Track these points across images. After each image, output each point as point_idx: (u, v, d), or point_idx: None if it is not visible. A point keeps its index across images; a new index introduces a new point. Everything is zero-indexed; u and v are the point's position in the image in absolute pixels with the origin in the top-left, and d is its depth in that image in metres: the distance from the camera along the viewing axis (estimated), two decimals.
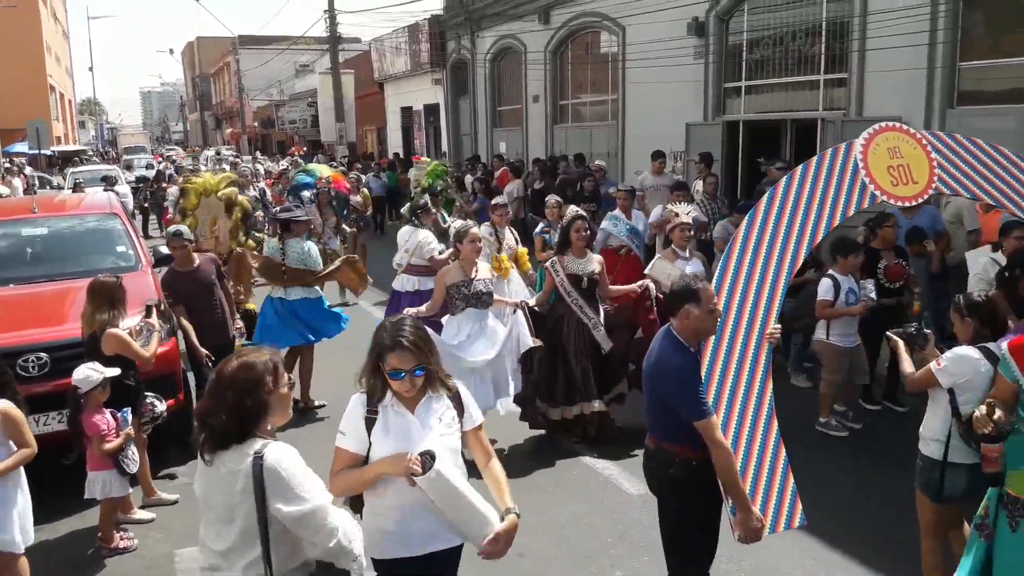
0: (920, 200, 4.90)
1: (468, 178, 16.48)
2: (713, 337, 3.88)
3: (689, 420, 3.47)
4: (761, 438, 3.91)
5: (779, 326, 4.15)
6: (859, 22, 10.24)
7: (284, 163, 21.92)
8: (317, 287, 7.52)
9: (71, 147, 43.49)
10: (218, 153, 38.01)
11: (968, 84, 9.45)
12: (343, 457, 2.98)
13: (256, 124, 54.30)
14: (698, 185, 11.04)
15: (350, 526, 2.70)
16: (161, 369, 6.00)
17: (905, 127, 4.89)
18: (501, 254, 7.63)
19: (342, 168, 18.69)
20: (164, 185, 20.42)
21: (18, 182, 20.52)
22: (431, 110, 25.09)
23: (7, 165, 26.39)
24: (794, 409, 6.19)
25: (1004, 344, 3.56)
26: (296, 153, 27.52)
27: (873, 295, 6.32)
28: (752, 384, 3.98)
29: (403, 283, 8.16)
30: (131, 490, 5.20)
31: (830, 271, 6.47)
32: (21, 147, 31.29)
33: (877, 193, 4.61)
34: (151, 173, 23.89)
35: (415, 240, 8.05)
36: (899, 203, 4.81)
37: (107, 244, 7.58)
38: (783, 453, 3.94)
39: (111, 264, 7.23)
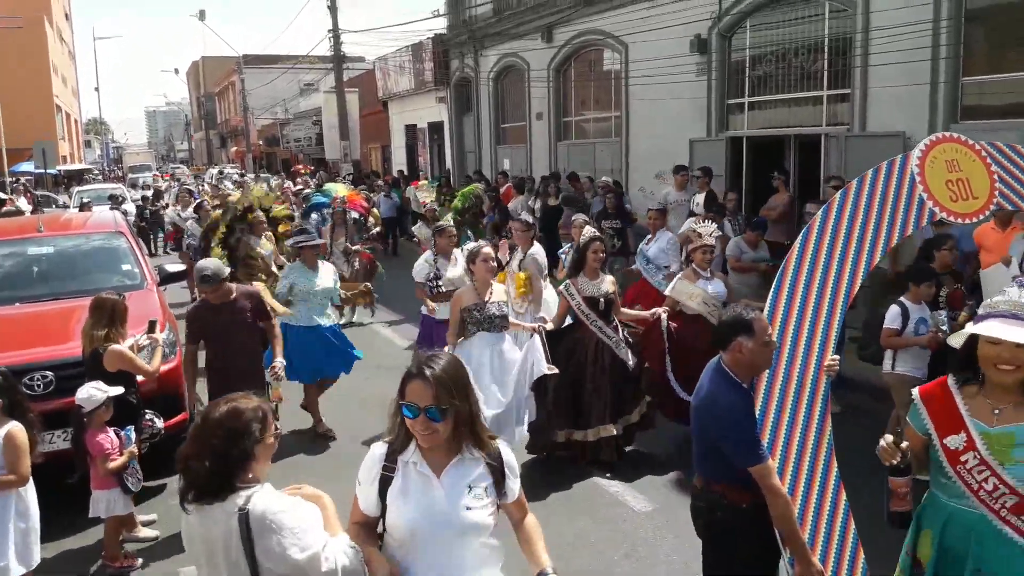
0: (981, 217, 4.50)
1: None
2: (767, 372, 3.55)
3: (743, 466, 3.19)
4: (820, 482, 3.58)
5: (837, 357, 3.83)
6: (861, 38, 10.28)
7: (298, 184, 21.49)
8: (329, 313, 7.37)
9: (77, 166, 43.71)
10: (221, 172, 38.19)
11: (971, 99, 9.46)
12: (356, 511, 2.66)
13: (261, 142, 54.55)
14: (698, 198, 11.07)
15: (348, 556, 2.49)
16: (164, 387, 6.02)
17: (963, 137, 4.51)
18: (520, 272, 7.39)
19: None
20: (162, 204, 20.63)
21: (23, 201, 20.59)
22: (435, 128, 25.19)
23: (12, 182, 26.54)
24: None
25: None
26: (303, 172, 27.55)
27: (946, 327, 5.87)
28: (810, 423, 3.64)
29: (424, 307, 7.73)
30: (134, 508, 5.19)
31: (900, 298, 6.09)
32: (27, 166, 31.48)
33: (936, 210, 4.24)
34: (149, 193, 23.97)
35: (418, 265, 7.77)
36: (958, 220, 4.42)
37: (112, 262, 7.60)
38: (843, 497, 3.62)
39: (117, 282, 7.26)
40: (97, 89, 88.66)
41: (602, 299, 6.14)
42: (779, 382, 3.64)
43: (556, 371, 5.88)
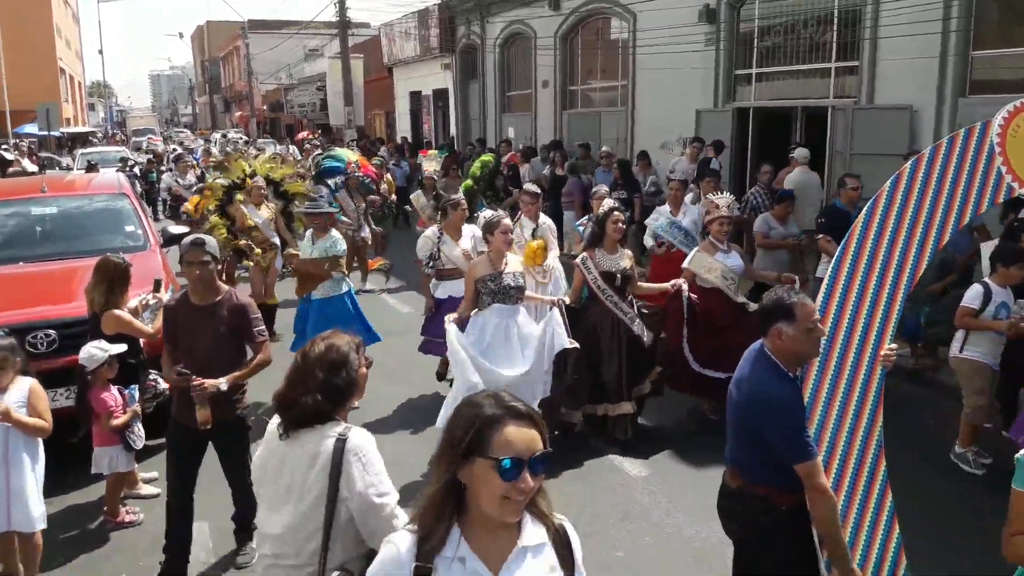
0: None
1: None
2: (818, 360, 3.27)
3: (789, 462, 2.95)
4: (865, 482, 3.32)
5: (895, 346, 3.51)
6: (871, 10, 10.18)
7: (305, 151, 20.82)
8: (344, 285, 7.07)
9: (80, 129, 43.56)
10: (224, 135, 38.00)
11: (980, 73, 9.39)
12: None
13: (265, 107, 54.28)
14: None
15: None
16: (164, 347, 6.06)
17: None
18: (536, 241, 7.06)
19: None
20: (163, 168, 20.36)
21: (28, 162, 20.55)
22: (440, 95, 25.03)
23: (16, 143, 26.47)
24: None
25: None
26: (310, 136, 27.32)
27: None
28: (860, 417, 3.34)
29: (434, 289, 7.21)
30: (136, 465, 5.26)
31: (985, 278, 5.65)
32: (31, 128, 31.35)
33: (1015, 185, 3.85)
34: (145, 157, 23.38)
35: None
36: None
37: (116, 224, 7.62)
38: (889, 500, 3.37)
39: (120, 243, 7.27)
40: (101, 52, 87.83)
41: (619, 274, 6.02)
42: (830, 372, 3.34)
43: (577, 346, 5.68)
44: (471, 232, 7.08)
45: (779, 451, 2.99)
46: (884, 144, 9.93)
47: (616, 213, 6.06)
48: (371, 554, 2.41)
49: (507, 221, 5.82)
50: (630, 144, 15.03)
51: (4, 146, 22.51)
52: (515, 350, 5.62)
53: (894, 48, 9.90)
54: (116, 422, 4.88)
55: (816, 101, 11.47)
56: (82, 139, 36.14)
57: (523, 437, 1.80)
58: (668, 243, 7.92)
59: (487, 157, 12.61)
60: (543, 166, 14.56)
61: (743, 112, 12.56)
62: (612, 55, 16.11)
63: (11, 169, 16.09)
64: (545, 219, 7.60)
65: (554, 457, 1.87)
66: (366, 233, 10.89)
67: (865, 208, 3.64)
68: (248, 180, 9.09)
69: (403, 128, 28.47)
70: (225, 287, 4.44)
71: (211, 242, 4.41)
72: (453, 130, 23.53)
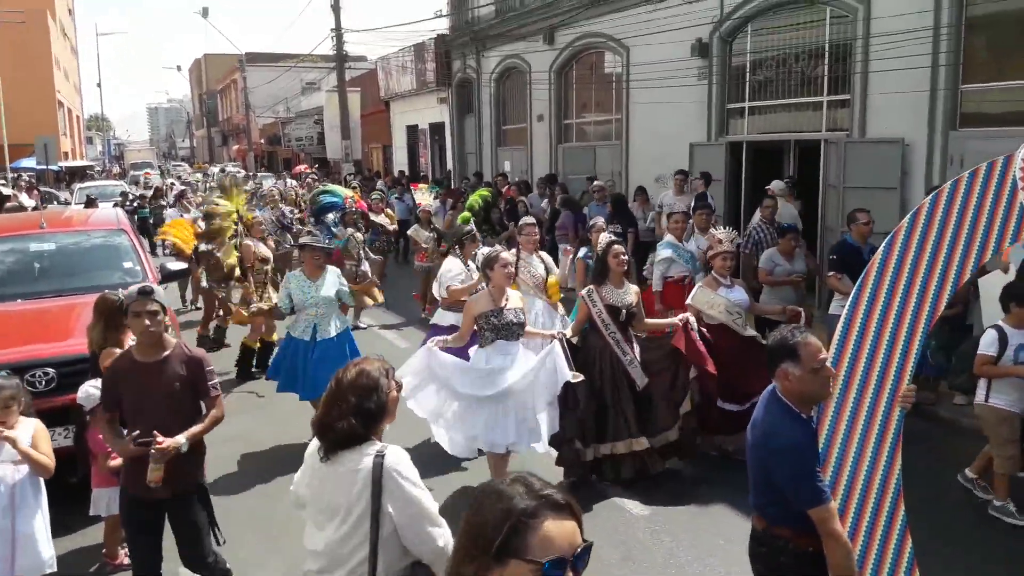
0: None
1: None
2: (834, 401, 3.18)
3: (802, 507, 2.91)
4: (884, 527, 3.20)
5: (914, 387, 3.40)
6: (862, 44, 10.32)
7: (305, 186, 20.64)
8: (338, 323, 6.88)
9: (79, 162, 43.74)
10: (223, 170, 38.16)
11: (971, 106, 9.51)
12: None
13: (262, 141, 54.59)
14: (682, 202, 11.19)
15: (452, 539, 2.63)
16: None
17: None
18: (551, 278, 7.17)
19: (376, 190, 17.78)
20: (163, 203, 20.36)
21: (25, 197, 20.59)
22: (436, 128, 25.23)
23: (14, 178, 26.54)
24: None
25: None
26: (308, 171, 27.42)
27: None
28: (877, 461, 3.22)
29: (438, 317, 7.28)
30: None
31: (998, 322, 5.50)
32: (29, 162, 31.47)
33: None
34: (141, 191, 23.34)
35: (447, 271, 7.24)
36: None
37: (114, 259, 7.63)
38: (908, 546, 3.25)
39: (118, 279, 7.28)
40: (99, 85, 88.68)
41: (624, 310, 5.89)
42: (846, 413, 3.21)
43: (581, 378, 5.56)
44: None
45: (791, 495, 2.94)
46: (876, 177, 10.03)
47: (616, 247, 5.97)
48: (415, 565, 2.74)
49: (506, 255, 5.72)
50: (625, 178, 15.14)
51: (1, 181, 22.56)
52: (512, 389, 5.48)
53: (885, 82, 10.03)
54: (114, 463, 4.84)
55: (808, 134, 11.59)
56: (80, 173, 36.25)
57: (563, 532, 1.58)
58: (689, 275, 7.93)
59: (484, 191, 12.72)
60: (541, 200, 14.64)
61: (736, 146, 12.68)
62: (606, 89, 16.28)
63: (8, 204, 16.09)
64: (543, 254, 7.57)
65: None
66: (366, 267, 10.93)
67: (883, 245, 3.54)
68: (249, 216, 9.21)
69: (400, 161, 28.65)
70: (173, 339, 4.07)
71: (159, 291, 4.04)
72: (450, 164, 23.69)
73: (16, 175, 28.65)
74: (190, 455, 3.90)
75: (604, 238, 6.31)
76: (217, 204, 9.67)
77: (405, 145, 28.52)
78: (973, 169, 3.75)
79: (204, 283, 10.47)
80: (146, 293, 3.95)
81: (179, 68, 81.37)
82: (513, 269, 5.78)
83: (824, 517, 2.89)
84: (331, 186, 12.65)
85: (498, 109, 20.66)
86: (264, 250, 9.19)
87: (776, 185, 10.51)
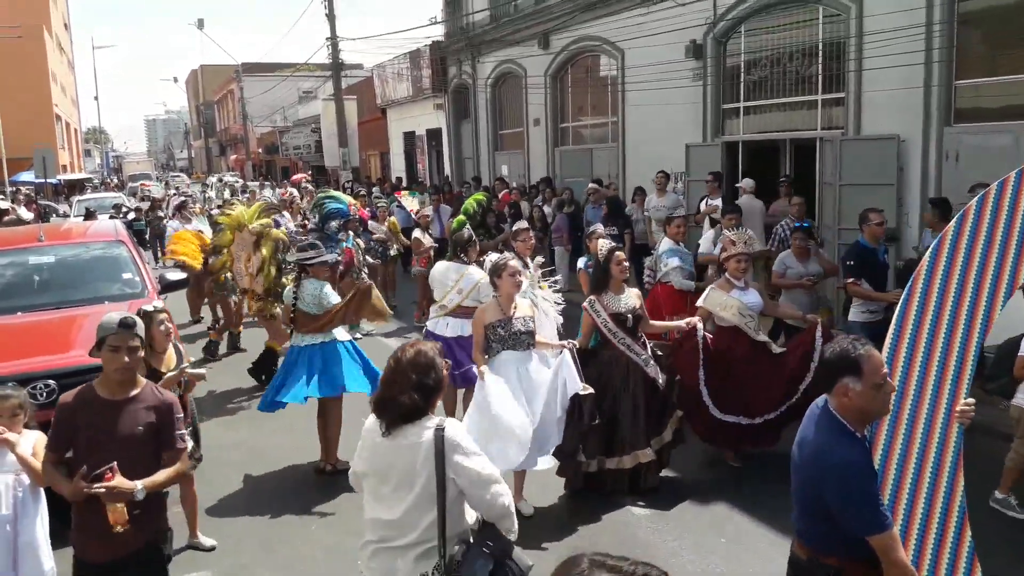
0: None
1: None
2: (888, 418, 2.99)
3: (861, 534, 2.67)
4: (950, 554, 2.96)
5: (972, 400, 3.14)
6: (855, 42, 10.36)
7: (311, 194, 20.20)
8: (336, 332, 6.67)
9: (77, 175, 43.80)
10: (220, 179, 38.21)
11: (965, 102, 9.54)
12: None
13: (260, 150, 54.71)
14: (702, 205, 11.17)
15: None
16: None
17: None
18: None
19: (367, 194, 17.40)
20: (160, 215, 20.30)
21: (23, 210, 20.58)
22: (433, 134, 25.28)
23: (12, 191, 26.56)
24: None
25: None
26: (307, 178, 27.35)
27: None
28: (938, 481, 2.99)
29: (442, 326, 6.93)
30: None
31: None
32: (27, 176, 31.54)
33: None
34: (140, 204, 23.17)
35: (471, 280, 6.78)
36: None
37: (113, 271, 7.64)
38: (978, 572, 3.02)
39: (117, 291, 7.31)
40: (96, 98, 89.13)
41: (630, 315, 5.79)
42: (902, 430, 3.02)
43: (591, 391, 5.42)
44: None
45: (849, 522, 2.69)
46: (873, 174, 10.05)
47: (618, 253, 5.88)
48: (484, 524, 3.02)
49: (515, 263, 5.54)
50: (622, 179, 15.17)
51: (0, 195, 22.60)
52: (529, 398, 5.33)
53: (879, 79, 10.06)
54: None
55: (804, 133, 11.62)
56: (79, 186, 36.30)
57: None
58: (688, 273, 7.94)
59: (480, 195, 12.73)
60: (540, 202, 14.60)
61: (732, 146, 12.71)
62: (602, 92, 16.32)
63: (6, 218, 16.08)
64: (539, 259, 7.44)
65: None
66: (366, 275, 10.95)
67: (929, 250, 3.36)
68: (267, 230, 9.25)
69: (398, 168, 28.70)
70: (143, 379, 3.71)
71: (141, 324, 3.66)
72: (447, 169, 23.74)
73: (14, 189, 28.68)
74: (145, 510, 3.48)
75: (604, 244, 6.17)
76: (228, 215, 9.73)
77: (402, 151, 28.58)
78: (1021, 168, 3.56)
79: (215, 292, 10.56)
80: (128, 326, 3.57)
81: (176, 80, 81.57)
82: (520, 278, 5.57)
83: (887, 545, 2.66)
84: (333, 192, 12.31)
85: (494, 114, 20.70)
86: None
87: (746, 182, 10.94)
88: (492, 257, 6.03)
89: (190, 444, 4.73)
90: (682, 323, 6.12)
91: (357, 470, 3.17)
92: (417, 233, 12.02)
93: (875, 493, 2.73)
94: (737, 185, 11.02)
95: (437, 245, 11.59)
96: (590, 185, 13.59)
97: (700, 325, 6.02)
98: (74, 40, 62.68)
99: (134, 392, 3.60)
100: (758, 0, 11.85)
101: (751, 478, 6.14)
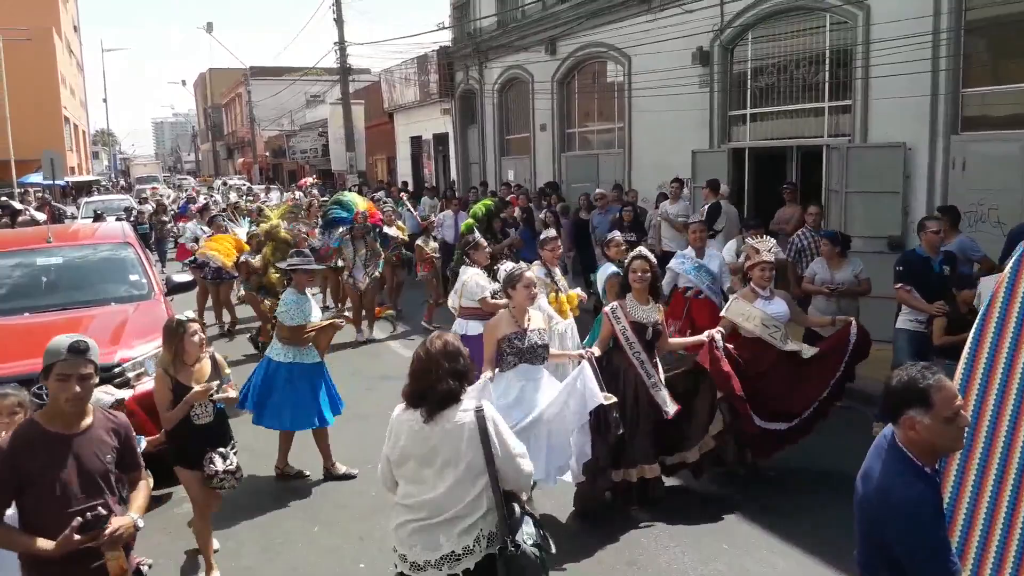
0: None
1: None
2: (959, 452, 2.75)
3: None
4: None
5: None
6: (862, 50, 10.35)
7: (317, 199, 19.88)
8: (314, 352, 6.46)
9: (85, 177, 43.96)
10: (225, 183, 38.28)
11: (971, 110, 9.53)
12: None
13: (267, 154, 54.87)
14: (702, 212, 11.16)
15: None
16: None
17: None
18: (562, 295, 6.95)
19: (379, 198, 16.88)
20: (164, 219, 20.32)
21: (37, 212, 20.64)
22: (440, 139, 25.34)
23: (21, 193, 26.68)
24: None
25: None
26: (306, 185, 27.42)
27: None
28: (1013, 523, 2.75)
29: (459, 327, 7.17)
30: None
31: None
32: (36, 178, 31.67)
33: None
34: (144, 206, 22.77)
35: (460, 280, 7.24)
36: None
37: (120, 273, 7.70)
38: None
39: (124, 293, 7.35)
40: (105, 100, 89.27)
41: (651, 327, 5.58)
42: (974, 466, 2.79)
43: (614, 399, 5.19)
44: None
45: (910, 566, 2.50)
46: (879, 181, 10.05)
47: (637, 262, 5.64)
48: (508, 495, 3.23)
49: (530, 274, 5.35)
50: (628, 186, 15.18)
51: (5, 197, 22.70)
52: (537, 416, 5.09)
53: (886, 87, 10.06)
54: None
55: (811, 140, 11.61)
56: (87, 188, 36.46)
57: None
58: (696, 288, 7.71)
59: (488, 200, 12.75)
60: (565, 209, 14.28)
61: (739, 152, 12.71)
62: (608, 98, 16.34)
63: (20, 219, 16.26)
64: (558, 269, 7.29)
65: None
66: (360, 277, 10.93)
67: (1009, 266, 3.08)
68: (275, 230, 9.44)
69: (404, 172, 28.78)
70: (90, 405, 3.31)
71: (95, 348, 3.24)
72: (454, 174, 23.78)
73: (23, 190, 28.81)
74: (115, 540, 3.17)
75: (614, 242, 6.14)
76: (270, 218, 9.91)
77: (409, 156, 28.65)
78: None
79: (242, 291, 10.67)
80: (79, 351, 3.14)
81: (184, 83, 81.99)
82: (536, 290, 5.39)
83: None
84: (347, 197, 11.88)
85: (501, 119, 20.74)
86: None
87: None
88: (507, 266, 5.90)
89: (223, 465, 4.72)
90: (701, 337, 5.86)
91: (392, 458, 3.29)
92: (420, 240, 12.02)
93: (943, 538, 2.52)
94: (783, 187, 10.97)
95: (440, 250, 11.59)
96: (596, 191, 13.56)
97: (717, 336, 5.75)
98: (83, 42, 62.99)
99: (88, 421, 3.24)
100: (765, 7, 11.85)
101: (758, 483, 6.12)
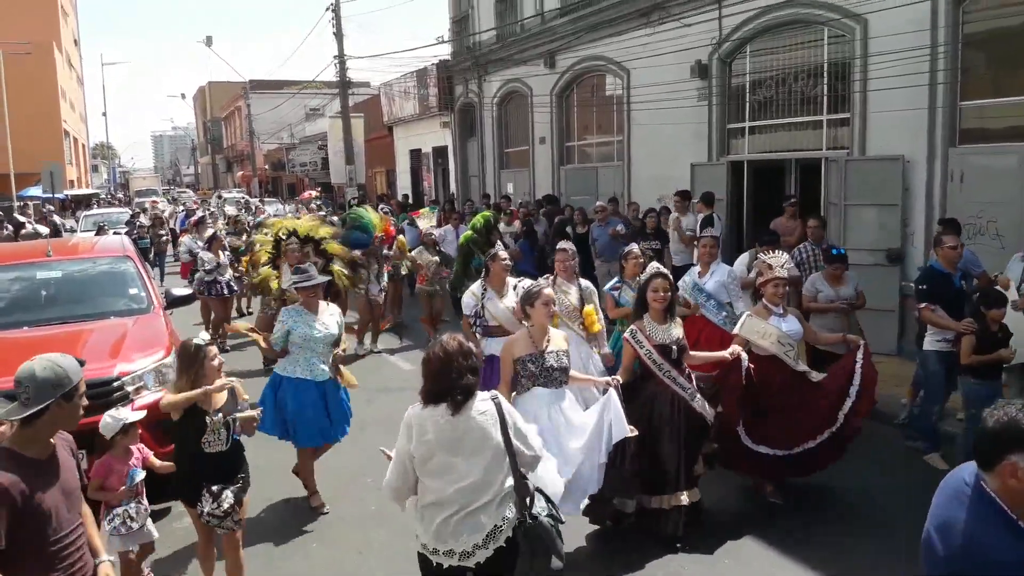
0: None
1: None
2: None
3: None
4: None
5: None
6: (860, 63, 10.39)
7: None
8: (324, 368, 6.15)
9: (84, 191, 44.03)
10: (220, 196, 38.29)
11: (969, 123, 9.55)
12: None
13: (267, 167, 54.96)
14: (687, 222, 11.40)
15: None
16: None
17: None
18: (587, 307, 6.65)
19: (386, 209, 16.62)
20: (161, 232, 20.33)
21: (40, 226, 20.67)
22: (439, 152, 25.40)
23: (20, 206, 26.71)
24: None
25: None
26: (315, 197, 27.30)
27: None
28: None
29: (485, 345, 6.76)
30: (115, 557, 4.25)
31: None
32: (35, 191, 31.73)
33: None
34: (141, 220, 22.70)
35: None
36: None
37: (120, 286, 7.69)
38: None
39: (124, 306, 7.34)
40: (104, 114, 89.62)
41: (674, 346, 5.37)
42: None
43: (636, 433, 4.90)
44: (511, 288, 6.69)
45: None
46: (878, 194, 10.07)
47: (657, 280, 5.38)
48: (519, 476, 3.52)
49: (549, 291, 5.05)
50: (627, 199, 15.20)
51: (4, 208, 22.77)
52: (562, 442, 4.79)
53: (884, 100, 10.09)
54: (99, 494, 4.49)
55: (809, 153, 11.63)
56: (86, 201, 36.51)
57: None
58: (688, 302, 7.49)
59: (487, 212, 12.72)
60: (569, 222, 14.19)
61: (737, 165, 12.74)
62: (607, 111, 16.39)
63: (23, 231, 16.35)
64: (586, 282, 6.98)
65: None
66: (376, 291, 10.95)
67: None
68: (283, 242, 9.18)
69: (404, 185, 28.84)
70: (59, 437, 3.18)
71: (66, 366, 3.10)
72: (453, 187, 23.82)
73: (22, 204, 28.85)
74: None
75: (652, 267, 5.62)
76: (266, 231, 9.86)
77: (408, 169, 28.71)
78: None
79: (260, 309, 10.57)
80: (59, 386, 3.01)
81: (183, 96, 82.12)
82: (555, 308, 5.13)
83: None
84: (365, 217, 11.48)
85: (500, 132, 20.80)
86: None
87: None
88: (524, 283, 5.69)
89: (210, 506, 4.34)
90: (725, 353, 5.62)
91: (417, 455, 3.43)
92: (415, 252, 11.94)
93: None
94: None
95: (438, 260, 11.52)
96: (596, 204, 13.56)
97: (744, 355, 5.59)
98: (83, 56, 63.20)
99: (51, 452, 3.10)
100: (763, 21, 11.91)
101: (785, 510, 5.89)
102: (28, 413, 2.95)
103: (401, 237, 12.74)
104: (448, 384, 3.39)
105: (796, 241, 9.73)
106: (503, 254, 6.73)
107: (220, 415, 4.41)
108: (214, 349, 4.49)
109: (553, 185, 17.99)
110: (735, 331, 5.98)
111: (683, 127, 13.33)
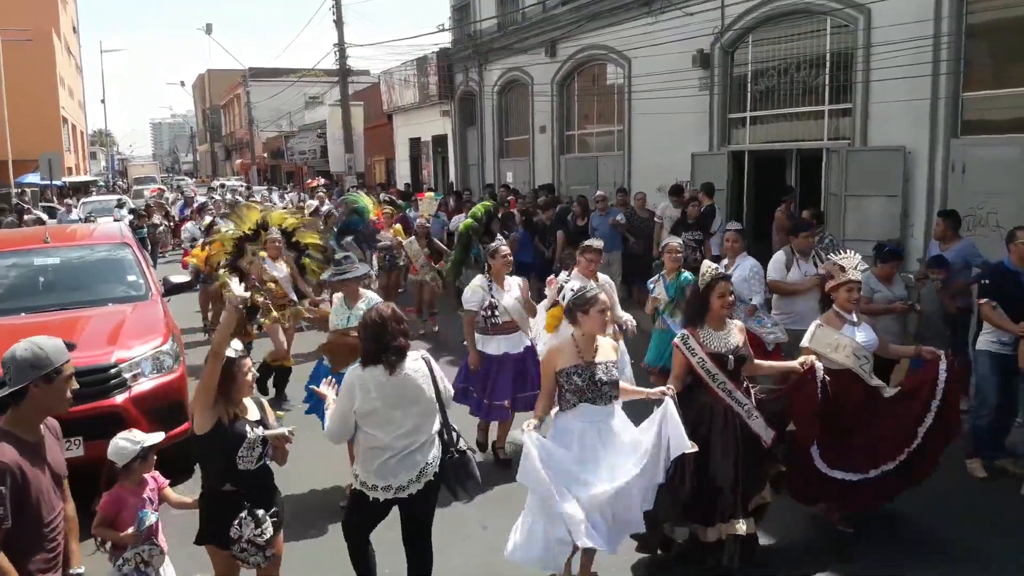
0: None
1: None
2: None
3: None
4: None
5: None
6: (863, 53, 10.35)
7: (325, 204, 18.12)
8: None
9: (82, 178, 43.91)
10: (222, 184, 38.17)
11: (971, 114, 9.52)
12: None
13: (266, 155, 54.84)
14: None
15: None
16: (168, 397, 6.06)
17: None
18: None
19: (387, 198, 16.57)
20: (157, 221, 20.22)
21: (36, 213, 20.66)
22: (439, 141, 25.32)
23: (18, 193, 26.64)
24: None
25: None
26: (313, 185, 27.12)
27: None
28: None
29: (483, 344, 6.50)
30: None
31: None
32: (33, 178, 31.63)
33: None
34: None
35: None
36: None
37: (118, 273, 7.66)
38: None
39: (122, 293, 7.32)
40: (103, 101, 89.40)
41: (731, 356, 4.75)
42: None
43: (696, 449, 4.37)
44: (516, 282, 6.52)
45: None
46: (879, 185, 10.04)
47: (722, 284, 4.79)
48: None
49: (604, 297, 4.54)
50: (628, 188, 15.14)
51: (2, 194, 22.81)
52: (613, 468, 4.28)
53: (886, 91, 10.05)
54: (103, 533, 3.94)
55: (810, 143, 11.60)
56: (84, 188, 36.42)
57: None
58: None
59: (487, 202, 12.66)
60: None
61: (738, 155, 12.70)
62: (608, 100, 16.33)
63: (26, 217, 16.42)
64: (604, 278, 6.67)
65: None
66: (375, 284, 10.92)
67: None
68: (262, 232, 8.82)
69: (403, 174, 28.77)
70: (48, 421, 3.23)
71: (50, 348, 3.12)
72: (452, 176, 23.77)
73: (20, 191, 28.77)
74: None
75: (707, 265, 5.01)
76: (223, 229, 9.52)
77: (408, 157, 28.64)
78: None
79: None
80: (39, 366, 3.05)
81: (183, 84, 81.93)
82: (609, 313, 4.63)
83: None
84: (360, 201, 11.56)
85: (500, 121, 20.73)
86: (276, 269, 8.65)
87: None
88: (572, 284, 5.27)
89: (250, 532, 3.73)
90: (795, 363, 5.03)
91: (361, 411, 3.92)
92: (406, 242, 11.79)
93: None
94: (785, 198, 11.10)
95: (427, 252, 11.40)
96: (597, 193, 13.48)
97: (820, 365, 4.94)
98: (82, 44, 62.90)
99: (41, 436, 3.13)
100: (766, 10, 11.85)
101: (857, 542, 5.21)
102: (4, 393, 2.96)
103: (398, 226, 12.62)
104: (383, 346, 3.88)
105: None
106: (505, 249, 6.51)
107: (261, 427, 3.87)
108: (247, 362, 3.92)
109: (553, 174, 17.94)
110: (803, 343, 5.24)
111: (684, 116, 13.28)
